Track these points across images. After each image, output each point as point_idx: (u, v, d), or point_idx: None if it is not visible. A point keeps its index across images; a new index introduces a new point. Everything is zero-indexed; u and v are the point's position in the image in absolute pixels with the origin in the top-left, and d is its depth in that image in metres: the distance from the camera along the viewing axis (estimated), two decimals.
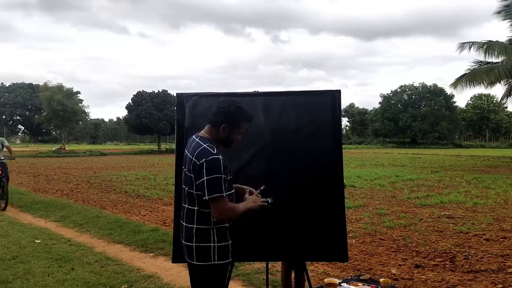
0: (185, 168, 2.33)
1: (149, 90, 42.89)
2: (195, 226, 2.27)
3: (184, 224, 2.34)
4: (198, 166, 2.17)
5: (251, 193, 2.48)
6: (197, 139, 2.31)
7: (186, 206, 2.33)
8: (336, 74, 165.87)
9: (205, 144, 2.23)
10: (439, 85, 57.31)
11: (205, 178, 2.14)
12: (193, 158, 2.21)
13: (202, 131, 2.37)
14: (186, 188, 2.31)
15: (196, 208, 2.27)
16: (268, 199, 2.42)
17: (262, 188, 2.55)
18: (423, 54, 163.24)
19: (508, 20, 21.31)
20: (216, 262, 2.24)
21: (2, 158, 9.10)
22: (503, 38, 21.21)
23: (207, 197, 2.14)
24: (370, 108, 71.97)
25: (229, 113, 2.31)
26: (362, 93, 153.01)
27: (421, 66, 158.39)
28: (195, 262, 2.26)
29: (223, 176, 2.17)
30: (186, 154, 2.33)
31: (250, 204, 2.33)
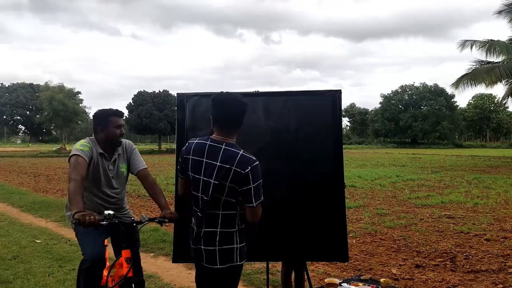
0: (207, 177, 2.19)
1: (149, 90, 42.94)
2: (219, 229, 2.22)
3: (202, 229, 2.25)
4: (243, 175, 2.11)
5: None
6: (223, 146, 2.18)
7: (206, 211, 2.23)
8: (330, 75, 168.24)
9: (240, 151, 2.17)
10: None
11: (252, 185, 2.14)
12: (234, 167, 2.12)
13: (215, 135, 2.24)
14: (208, 196, 2.19)
15: (221, 212, 2.21)
16: None
17: None
18: (416, 55, 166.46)
19: (510, 20, 21.30)
20: (238, 263, 2.26)
21: (128, 209, 3.32)
22: (494, 38, 21.19)
23: (254, 204, 2.16)
24: (368, 108, 72.16)
25: (246, 107, 2.27)
26: (358, 93, 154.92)
27: (415, 66, 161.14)
28: (218, 266, 2.21)
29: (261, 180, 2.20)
30: (208, 162, 2.19)
31: None
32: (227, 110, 2.22)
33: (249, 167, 2.12)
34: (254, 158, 2.17)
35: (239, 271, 2.33)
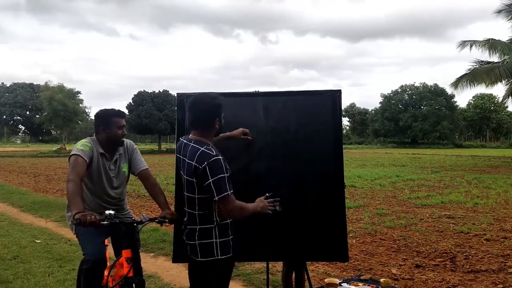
0: (183, 173, 2.36)
1: (149, 90, 42.92)
2: (198, 226, 2.33)
3: (187, 225, 2.42)
4: (201, 170, 2.20)
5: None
6: (191, 143, 2.31)
7: (187, 210, 2.40)
8: (328, 75, 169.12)
9: (202, 147, 2.25)
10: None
11: (210, 180, 2.18)
12: (194, 163, 2.23)
13: (191, 135, 2.36)
14: (186, 194, 2.37)
15: (197, 212, 2.33)
16: (277, 203, 2.48)
17: (267, 195, 2.52)
18: (415, 55, 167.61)
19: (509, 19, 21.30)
20: (219, 257, 2.30)
21: (128, 210, 3.29)
22: (492, 38, 21.17)
23: (216, 198, 2.20)
24: (368, 108, 72.17)
25: (217, 106, 2.35)
26: (357, 93, 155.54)
27: (414, 66, 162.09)
28: (199, 259, 2.32)
29: (226, 175, 2.21)
30: (183, 159, 2.34)
31: (259, 208, 2.41)
32: (196, 112, 2.33)
33: (205, 162, 2.18)
34: (214, 154, 2.21)
35: (223, 266, 2.34)
